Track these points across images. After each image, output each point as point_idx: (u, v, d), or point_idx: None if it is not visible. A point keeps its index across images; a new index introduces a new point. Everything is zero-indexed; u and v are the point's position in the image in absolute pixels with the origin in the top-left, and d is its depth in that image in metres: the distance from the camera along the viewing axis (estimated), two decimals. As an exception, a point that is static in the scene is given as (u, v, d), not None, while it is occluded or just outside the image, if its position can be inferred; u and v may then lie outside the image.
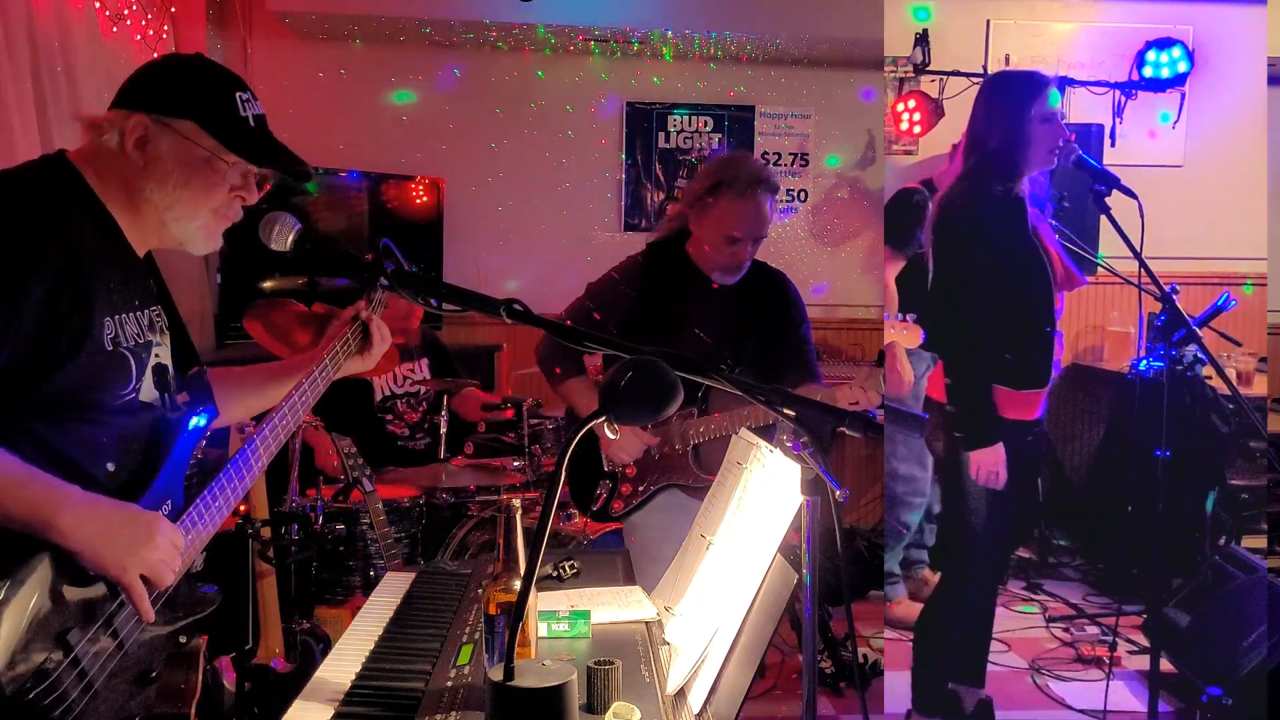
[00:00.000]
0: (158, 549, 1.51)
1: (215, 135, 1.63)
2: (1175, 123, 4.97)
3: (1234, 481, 4.11)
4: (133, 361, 1.60)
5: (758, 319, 2.93)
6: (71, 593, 1.46)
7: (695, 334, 2.89)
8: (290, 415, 1.82)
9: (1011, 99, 2.83)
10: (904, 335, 3.00)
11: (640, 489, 2.94)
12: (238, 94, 1.66)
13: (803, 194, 5.75)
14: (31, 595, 1.41)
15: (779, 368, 2.89)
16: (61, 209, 1.55)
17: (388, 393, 4.09)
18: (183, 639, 1.68)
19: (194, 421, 1.70)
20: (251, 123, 1.67)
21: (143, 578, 1.50)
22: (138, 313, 1.63)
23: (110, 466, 1.58)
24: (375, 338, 2.02)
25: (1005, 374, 2.83)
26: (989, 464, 2.81)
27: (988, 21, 4.88)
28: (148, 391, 1.64)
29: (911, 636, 3.31)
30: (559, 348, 2.97)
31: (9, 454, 1.43)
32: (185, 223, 1.66)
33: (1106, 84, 4.78)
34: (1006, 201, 2.79)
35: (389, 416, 4.08)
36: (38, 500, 1.42)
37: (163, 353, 1.69)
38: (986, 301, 2.82)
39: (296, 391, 1.84)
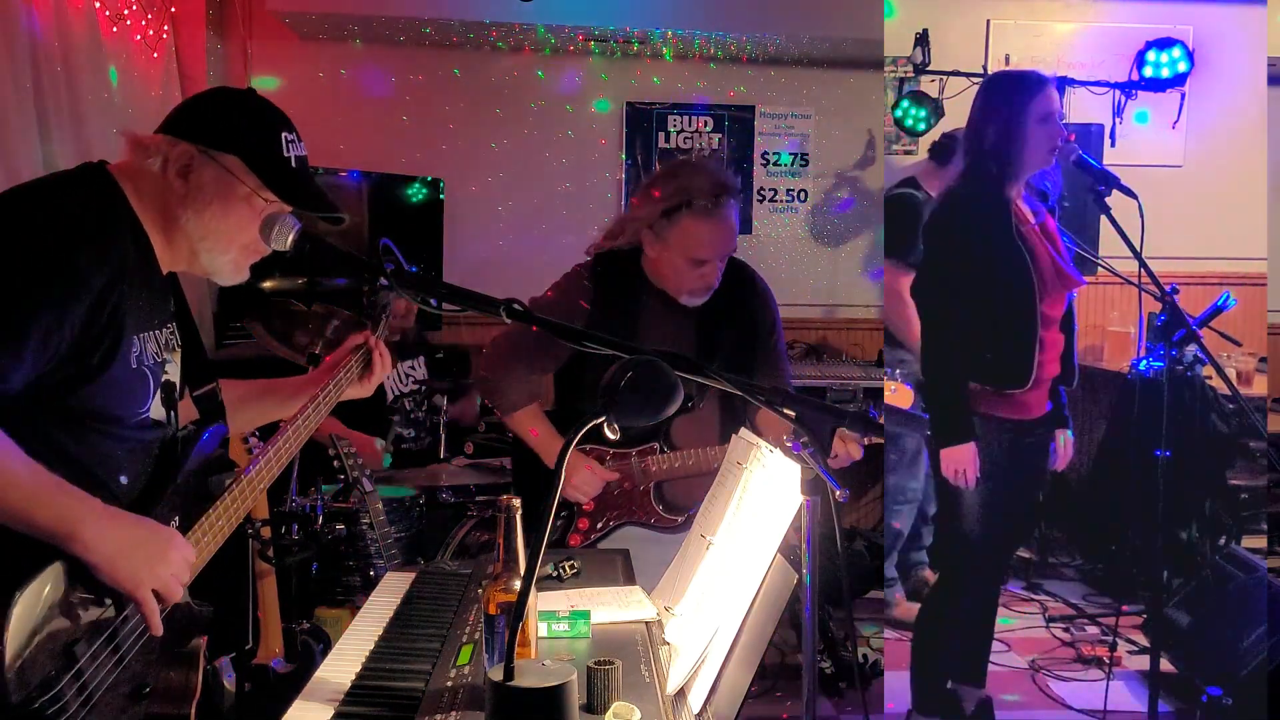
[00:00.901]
0: (171, 564, 1.53)
1: (257, 173, 1.64)
2: (1175, 123, 4.97)
3: (1234, 481, 4.11)
4: (151, 380, 1.62)
5: (724, 333, 2.69)
6: (81, 605, 1.47)
7: None
8: (294, 439, 1.84)
9: (1009, 99, 2.83)
10: (894, 396, 2.98)
11: (599, 525, 2.76)
12: (284, 134, 1.67)
13: (803, 194, 5.75)
14: (43, 606, 1.41)
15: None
16: (110, 223, 1.55)
17: (397, 393, 4.10)
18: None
19: (204, 439, 1.72)
20: (293, 163, 1.68)
21: (154, 592, 1.51)
22: (156, 331, 1.65)
23: (124, 480, 1.59)
24: (377, 366, 2.04)
25: (984, 373, 2.83)
26: (957, 461, 2.79)
27: (988, 21, 4.88)
28: (157, 409, 1.65)
29: (910, 636, 3.31)
30: (506, 376, 2.72)
31: (39, 465, 1.43)
32: (216, 254, 1.68)
33: (1106, 84, 4.79)
34: (993, 202, 2.79)
35: (395, 417, 4.08)
36: (64, 512, 1.43)
37: (172, 370, 1.70)
38: (965, 300, 2.81)
39: (300, 416, 1.86)
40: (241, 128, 1.65)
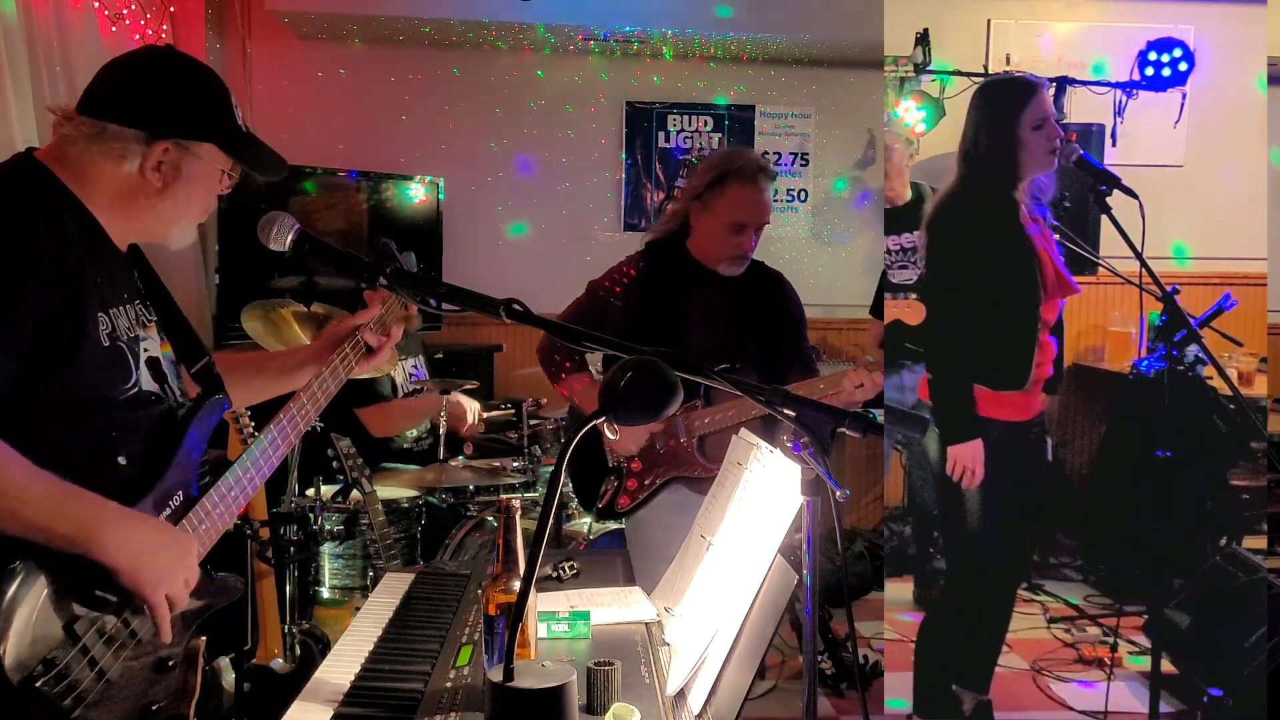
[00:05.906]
0: (190, 570, 1.55)
1: (233, 155, 1.68)
2: (1176, 123, 4.96)
3: (1235, 482, 4.10)
4: (129, 354, 1.61)
5: (760, 315, 2.96)
6: (79, 584, 1.47)
7: (698, 330, 2.89)
8: (300, 415, 1.82)
9: (1004, 107, 2.81)
10: (907, 312, 3.01)
11: (646, 483, 2.92)
12: (230, 100, 1.68)
13: (803, 194, 5.74)
14: (36, 587, 1.41)
15: (782, 363, 2.92)
16: (45, 208, 1.55)
17: (405, 391, 4.08)
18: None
19: (204, 411, 1.71)
20: (245, 129, 1.69)
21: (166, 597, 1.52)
22: (126, 306, 1.64)
23: (122, 460, 1.58)
24: (380, 353, 2.01)
25: (985, 374, 2.83)
26: (966, 459, 2.80)
27: (988, 21, 4.88)
28: (148, 383, 1.64)
29: (912, 639, 3.30)
30: (561, 345, 3.00)
31: (49, 475, 1.42)
32: (186, 227, 1.71)
33: (1107, 84, 4.78)
34: (999, 204, 2.78)
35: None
36: (82, 518, 1.44)
37: (150, 345, 1.68)
38: (971, 301, 2.82)
39: (305, 393, 1.85)
40: (210, 112, 1.65)
